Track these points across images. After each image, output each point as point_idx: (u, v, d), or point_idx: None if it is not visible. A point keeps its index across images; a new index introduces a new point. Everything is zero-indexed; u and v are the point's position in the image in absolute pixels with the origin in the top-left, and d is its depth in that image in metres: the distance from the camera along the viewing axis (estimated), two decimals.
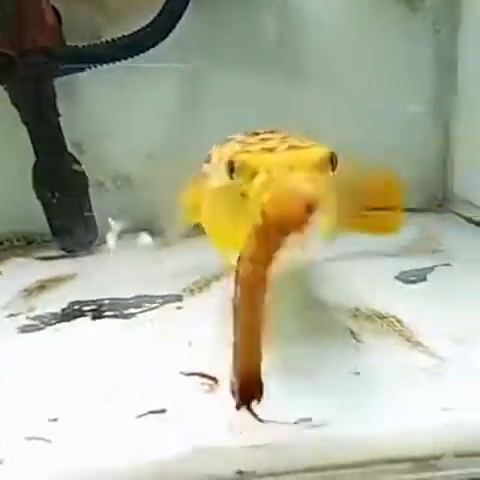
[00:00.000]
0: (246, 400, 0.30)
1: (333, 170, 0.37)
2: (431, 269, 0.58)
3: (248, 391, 0.30)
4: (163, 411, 0.34)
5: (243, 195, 0.36)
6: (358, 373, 0.38)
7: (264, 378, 0.30)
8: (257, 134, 0.42)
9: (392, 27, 0.74)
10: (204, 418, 0.34)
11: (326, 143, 0.38)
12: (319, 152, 0.36)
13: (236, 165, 0.37)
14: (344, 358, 0.40)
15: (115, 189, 0.79)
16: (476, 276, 0.55)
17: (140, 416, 0.34)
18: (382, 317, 0.47)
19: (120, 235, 0.77)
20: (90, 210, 0.73)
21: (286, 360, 0.40)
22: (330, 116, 0.74)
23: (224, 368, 0.39)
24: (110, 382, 0.39)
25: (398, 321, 0.46)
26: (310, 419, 0.32)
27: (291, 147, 0.37)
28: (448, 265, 0.59)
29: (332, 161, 0.37)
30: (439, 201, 0.81)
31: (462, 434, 0.30)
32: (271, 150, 0.37)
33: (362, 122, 0.75)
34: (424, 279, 0.56)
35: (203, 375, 0.37)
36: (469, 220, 0.75)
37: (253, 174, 0.35)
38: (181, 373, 0.38)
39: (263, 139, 0.40)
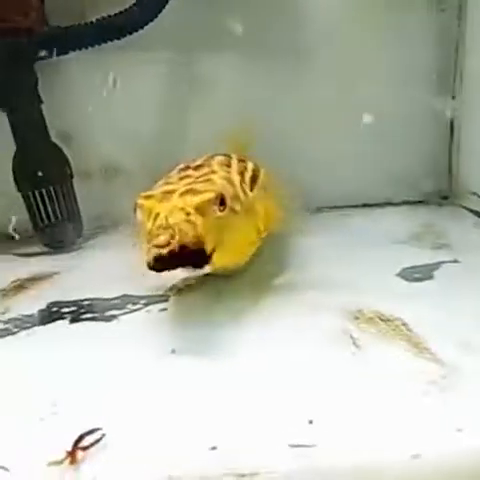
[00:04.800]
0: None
1: (223, 210, 0.42)
2: (437, 266, 0.54)
3: None
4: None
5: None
6: (356, 387, 0.34)
7: None
8: (187, 168, 0.47)
9: (396, 8, 0.70)
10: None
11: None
12: (204, 196, 0.41)
13: (137, 207, 0.42)
14: (339, 367, 0.36)
15: (103, 181, 0.75)
16: None
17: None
18: (386, 320, 0.43)
19: (107, 230, 0.74)
20: (75, 203, 0.69)
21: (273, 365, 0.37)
22: (329, 106, 0.71)
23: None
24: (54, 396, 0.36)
25: (403, 324, 0.42)
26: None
27: (187, 191, 0.41)
28: (456, 261, 0.55)
29: (222, 202, 0.42)
30: (444, 194, 0.77)
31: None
32: (170, 193, 0.41)
33: (364, 111, 0.71)
34: (430, 277, 0.52)
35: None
36: (476, 213, 0.70)
37: (149, 216, 0.40)
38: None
39: (181, 177, 0.45)
